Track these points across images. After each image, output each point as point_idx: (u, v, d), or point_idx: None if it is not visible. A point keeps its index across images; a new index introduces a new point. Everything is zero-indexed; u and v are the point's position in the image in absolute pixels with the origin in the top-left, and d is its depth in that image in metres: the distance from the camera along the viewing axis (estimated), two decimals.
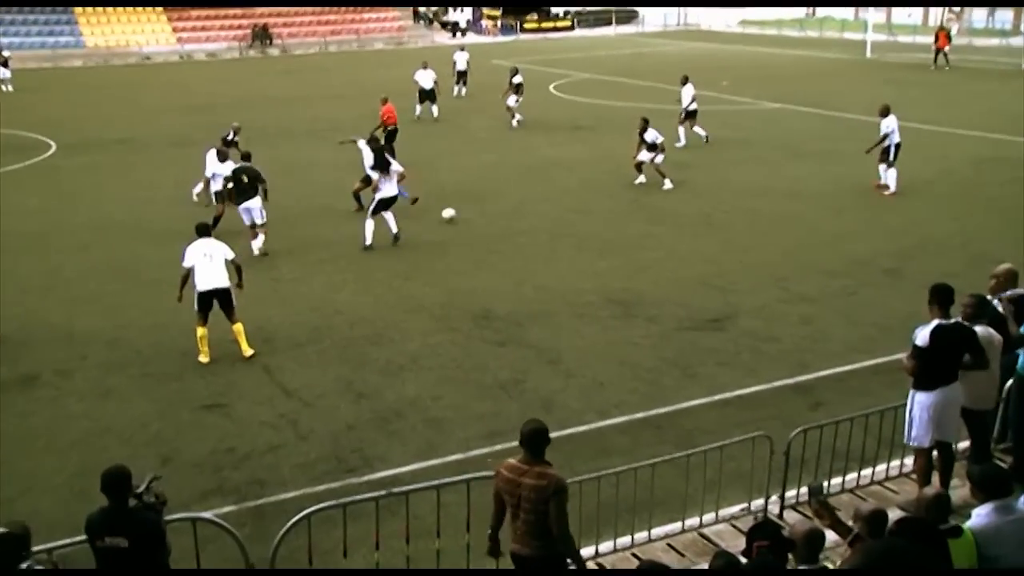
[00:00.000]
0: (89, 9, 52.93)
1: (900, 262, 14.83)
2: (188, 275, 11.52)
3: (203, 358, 11.55)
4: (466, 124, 26.38)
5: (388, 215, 16.26)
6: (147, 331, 12.60)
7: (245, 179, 15.69)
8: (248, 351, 11.67)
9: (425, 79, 28.52)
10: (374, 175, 16.40)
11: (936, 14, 53.29)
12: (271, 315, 12.94)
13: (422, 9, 64.89)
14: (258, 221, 15.71)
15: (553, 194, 19.70)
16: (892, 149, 18.91)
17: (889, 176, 19.03)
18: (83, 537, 5.75)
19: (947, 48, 38.03)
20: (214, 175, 17.21)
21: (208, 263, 11.47)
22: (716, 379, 10.88)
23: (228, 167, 16.51)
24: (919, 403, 7.70)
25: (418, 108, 28.43)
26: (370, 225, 16.12)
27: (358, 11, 58.85)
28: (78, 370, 11.48)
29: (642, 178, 20.17)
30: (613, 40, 56.24)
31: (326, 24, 57.07)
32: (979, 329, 7.67)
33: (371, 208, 16.29)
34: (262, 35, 54.05)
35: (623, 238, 16.52)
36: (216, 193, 17.08)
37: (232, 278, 11.69)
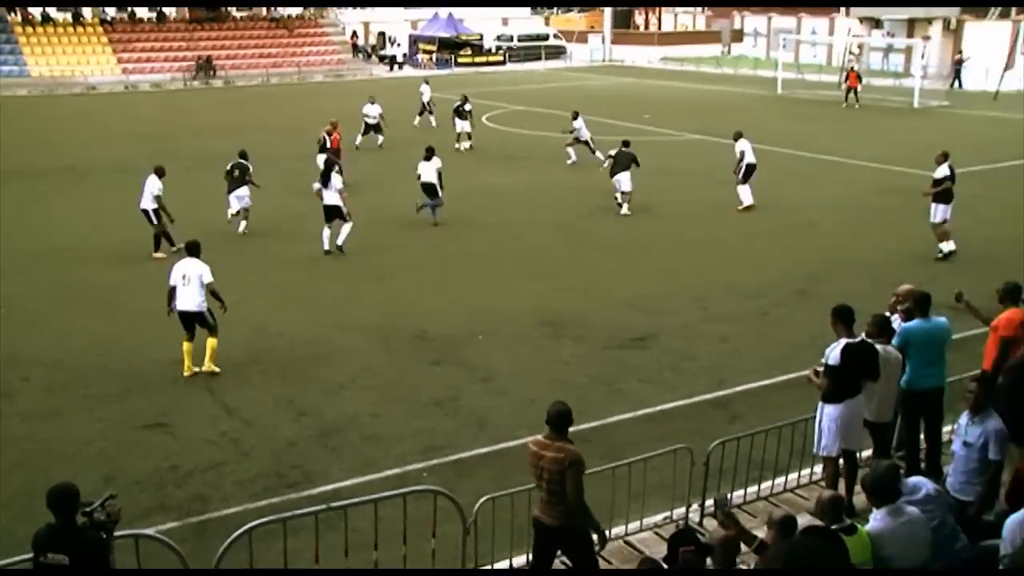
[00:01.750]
0: (34, 39, 51.74)
1: (809, 284, 15.19)
2: (173, 292, 11.50)
3: (186, 372, 11.45)
4: (405, 153, 26.30)
5: (332, 227, 16.91)
6: (90, 353, 12.31)
7: (236, 172, 18.69)
8: (212, 368, 11.51)
9: (371, 112, 28.50)
10: (316, 186, 17.18)
11: (838, 55, 54.86)
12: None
13: (360, 43, 64.83)
14: (244, 206, 18.61)
15: (489, 220, 19.77)
16: (744, 168, 20.30)
17: (742, 192, 20.21)
18: (27, 555, 5.58)
19: (859, 87, 39.10)
20: (152, 192, 17.11)
21: (184, 285, 11.45)
22: (640, 395, 11.00)
23: (157, 185, 17.07)
24: (828, 415, 7.89)
25: (359, 138, 28.35)
26: (325, 233, 16.95)
27: (299, 44, 58.53)
28: (20, 392, 11.15)
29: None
30: (543, 74, 56.74)
31: (268, 57, 56.58)
32: (879, 347, 7.92)
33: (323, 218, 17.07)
34: (206, 67, 53.38)
35: (554, 261, 16.64)
36: (155, 211, 17.10)
37: (214, 300, 11.64)
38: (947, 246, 16.39)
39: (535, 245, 17.78)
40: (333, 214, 16.93)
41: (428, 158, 19.31)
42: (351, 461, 9.46)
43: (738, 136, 20.79)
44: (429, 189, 19.20)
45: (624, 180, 19.93)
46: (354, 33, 64.91)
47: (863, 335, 7.97)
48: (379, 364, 11.99)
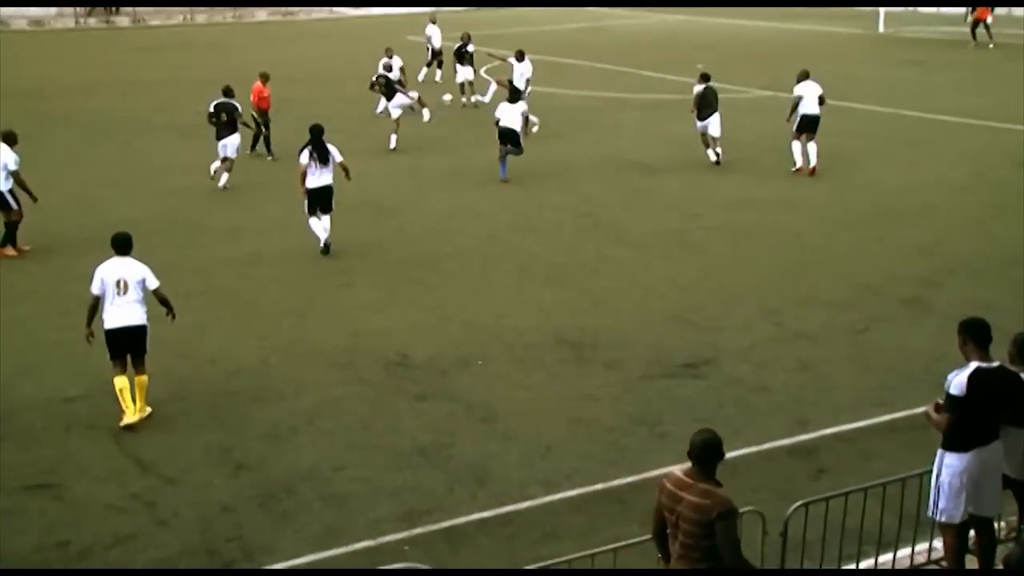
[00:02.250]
0: None
1: (922, 290, 15.24)
2: (96, 305, 11.41)
3: (128, 417, 11.33)
4: (377, 120, 26.51)
5: (324, 219, 16.92)
6: None
7: (224, 115, 20.59)
8: (143, 411, 11.52)
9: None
10: (304, 161, 16.86)
11: None
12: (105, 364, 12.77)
13: None
14: (231, 155, 20.64)
15: (488, 207, 19.88)
16: (799, 120, 21.49)
17: (795, 150, 21.61)
18: None
19: (989, 19, 38.99)
20: (4, 166, 17.27)
21: (119, 295, 11.32)
22: None
23: (11, 157, 17.26)
24: (950, 467, 7.85)
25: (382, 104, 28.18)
26: (315, 224, 16.96)
27: None
28: None
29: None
30: (564, 12, 56.98)
31: None
32: None
33: (305, 206, 17.00)
34: None
35: (576, 262, 16.72)
36: (10, 192, 17.31)
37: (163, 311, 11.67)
38: None
39: (551, 240, 17.87)
40: (325, 200, 16.91)
41: (513, 100, 21.71)
42: (307, 531, 9.53)
43: (802, 77, 21.89)
44: (509, 135, 21.41)
45: (714, 124, 22.31)
46: None
47: (999, 361, 7.94)
48: (344, 399, 12.04)
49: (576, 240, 17.87)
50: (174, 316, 11.74)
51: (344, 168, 16.96)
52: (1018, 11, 47.82)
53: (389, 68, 25.52)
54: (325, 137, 16.96)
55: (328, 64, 38.84)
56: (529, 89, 25.29)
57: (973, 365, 7.72)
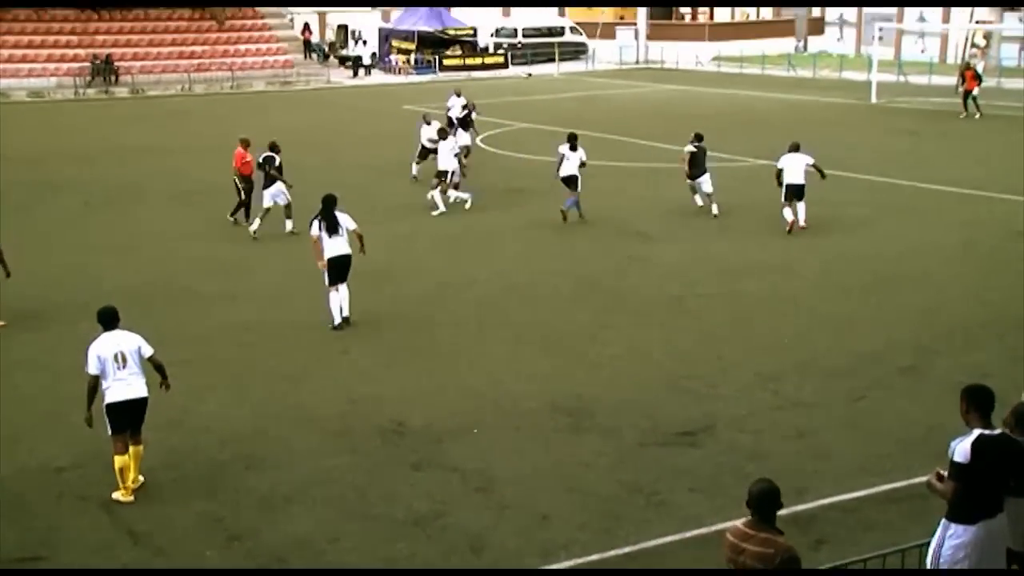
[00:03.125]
0: None
1: (920, 358, 15.23)
2: (96, 386, 11.22)
3: (123, 495, 11.21)
4: (373, 186, 26.66)
5: (342, 289, 16.63)
6: None
7: (268, 167, 22.26)
8: (136, 481, 11.41)
9: (427, 132, 28.06)
10: (314, 232, 16.66)
11: (956, 50, 55.64)
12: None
13: (315, 39, 65.90)
14: (284, 202, 22.54)
15: (484, 273, 19.91)
16: (785, 190, 22.46)
17: (785, 212, 22.45)
18: None
19: (976, 91, 39.55)
20: None
21: (119, 369, 11.20)
22: (690, 509, 10.98)
23: None
24: (954, 540, 7.75)
25: (415, 167, 28.66)
26: (334, 298, 16.63)
27: (232, 42, 59.55)
28: None
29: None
30: (557, 81, 57.63)
31: (190, 57, 57.55)
32: None
33: (325, 276, 16.68)
34: (105, 69, 54.24)
35: (572, 329, 16.73)
36: None
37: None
38: None
39: (547, 307, 17.89)
40: (345, 271, 16.65)
41: (573, 147, 23.16)
42: None
43: (793, 149, 22.78)
44: (571, 182, 23.22)
45: (706, 182, 23.92)
46: (306, 27, 66.09)
47: (1001, 429, 7.90)
48: (339, 468, 11.98)
49: (573, 306, 17.87)
50: (168, 386, 11.65)
51: (358, 237, 16.66)
52: (1009, 83, 48.40)
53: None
54: (340, 207, 16.74)
55: (324, 132, 39.15)
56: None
57: (976, 432, 7.68)
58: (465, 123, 30.66)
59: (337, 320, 16.67)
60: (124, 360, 11.23)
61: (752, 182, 27.91)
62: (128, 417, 11.26)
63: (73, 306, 17.68)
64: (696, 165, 23.85)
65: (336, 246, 16.51)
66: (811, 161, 22.46)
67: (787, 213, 22.48)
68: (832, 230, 22.70)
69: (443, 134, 25.67)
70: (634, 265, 20.28)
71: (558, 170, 23.69)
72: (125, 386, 11.21)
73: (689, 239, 22.13)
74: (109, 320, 11.47)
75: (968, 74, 40.27)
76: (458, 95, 32.11)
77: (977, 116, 38.86)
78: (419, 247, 21.86)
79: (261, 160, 22.66)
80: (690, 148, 23.90)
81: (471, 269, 20.22)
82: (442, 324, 17.07)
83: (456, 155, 25.04)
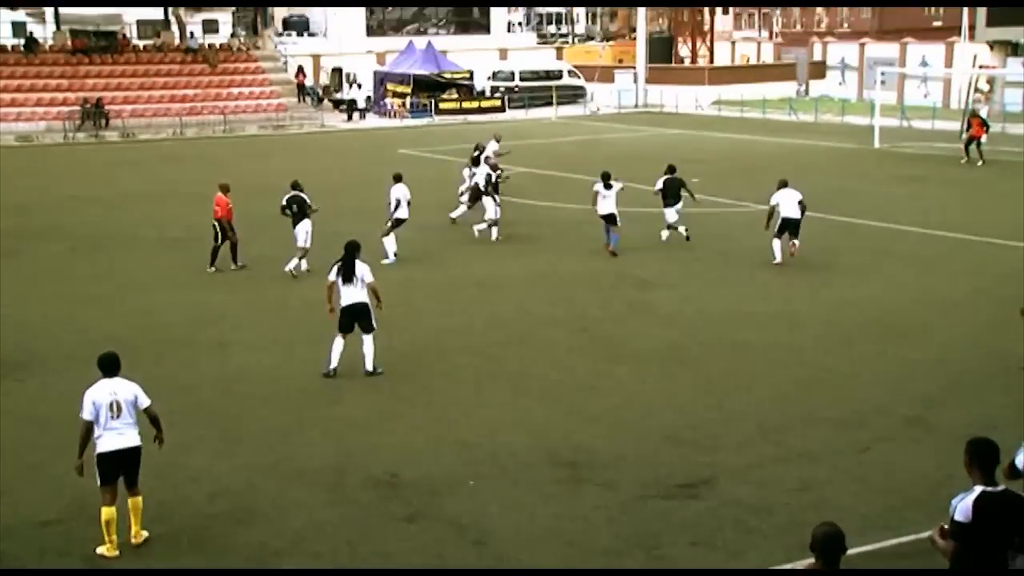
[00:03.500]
0: None
1: (926, 409, 15.21)
2: (89, 432, 11.18)
3: (108, 550, 11.11)
4: (368, 232, 26.64)
5: (366, 342, 16.62)
6: None
7: (295, 206, 23.21)
8: (138, 537, 11.37)
9: (479, 175, 28.47)
10: (331, 277, 16.72)
11: (959, 95, 56.01)
12: (91, 487, 12.64)
13: (308, 82, 66.27)
14: (306, 245, 23.00)
15: (480, 322, 19.91)
16: (779, 223, 23.60)
17: (775, 247, 23.65)
18: None
19: (984, 138, 39.79)
20: None
21: (113, 418, 11.15)
22: (692, 563, 10.93)
23: None
24: None
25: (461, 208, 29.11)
26: (336, 345, 16.62)
27: (225, 85, 59.92)
28: None
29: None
30: (555, 124, 57.95)
31: (182, 101, 57.92)
32: None
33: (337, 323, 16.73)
34: (95, 113, 54.55)
35: (570, 379, 16.72)
36: None
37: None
38: None
39: (545, 356, 17.89)
40: (355, 320, 16.64)
41: (608, 185, 24.54)
42: None
43: (781, 185, 23.98)
44: (611, 219, 24.69)
45: (670, 213, 25.69)
46: (300, 70, 66.48)
47: (1004, 485, 7.86)
48: (331, 521, 11.93)
49: (570, 356, 17.88)
50: (162, 440, 11.59)
51: (373, 291, 16.63)
52: (1013, 129, 48.70)
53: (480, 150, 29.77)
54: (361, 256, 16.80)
55: (318, 176, 39.17)
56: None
57: (978, 489, 7.65)
58: (476, 161, 30.38)
59: (332, 365, 16.65)
60: (119, 409, 11.16)
61: (753, 228, 27.93)
62: (119, 468, 11.20)
63: (58, 355, 17.69)
64: (669, 196, 25.60)
65: (349, 294, 16.53)
66: (800, 198, 23.53)
67: (777, 247, 23.63)
68: (835, 277, 22.76)
69: (498, 137, 28.23)
70: (633, 313, 20.30)
71: (595, 206, 25.03)
72: (117, 435, 11.15)
73: (689, 287, 22.17)
74: (108, 366, 11.43)
75: (975, 121, 40.54)
76: (497, 140, 32.95)
77: (980, 163, 39.09)
78: (414, 295, 21.88)
79: (286, 202, 23.53)
80: (664, 179, 25.73)
81: (467, 317, 20.23)
82: (438, 373, 17.06)
83: (464, 192, 26.71)
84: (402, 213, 24.70)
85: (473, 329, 19.47)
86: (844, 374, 16.77)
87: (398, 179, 25.33)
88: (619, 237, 24.90)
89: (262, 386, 16.53)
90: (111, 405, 11.15)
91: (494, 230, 26.95)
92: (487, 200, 27.19)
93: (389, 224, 24.84)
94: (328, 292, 16.76)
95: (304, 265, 23.26)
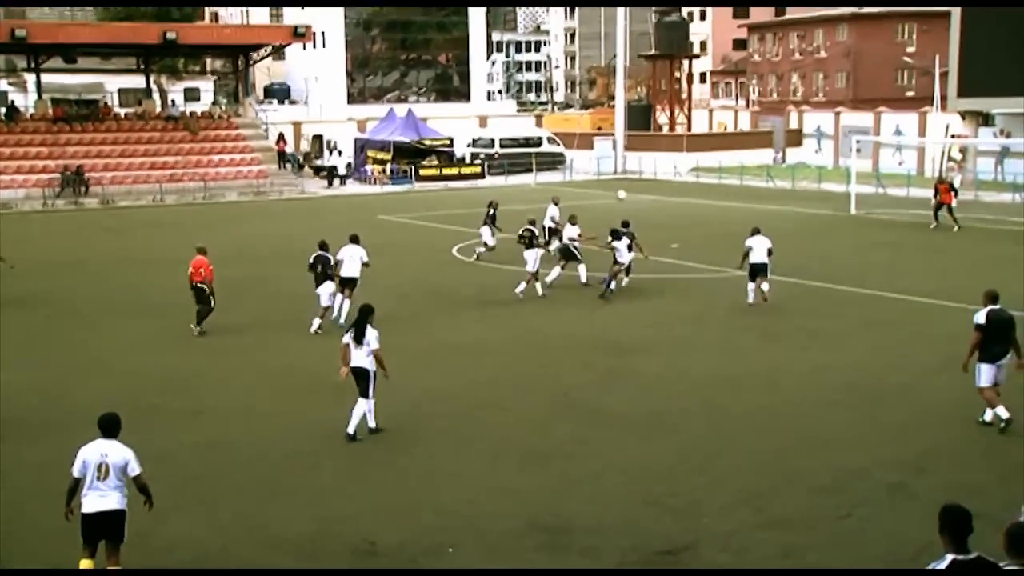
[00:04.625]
0: None
1: (907, 474, 15.15)
2: (77, 487, 11.22)
3: None
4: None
5: (358, 404, 16.68)
6: None
7: (320, 267, 23.86)
8: None
9: (552, 211, 32.81)
10: (344, 339, 16.97)
11: (933, 163, 56.64)
12: (65, 557, 12.45)
13: (289, 149, 66.60)
14: (326, 303, 23.79)
15: (459, 387, 19.82)
16: (749, 268, 26.00)
17: (749, 289, 26.06)
18: None
19: (953, 203, 40.19)
20: None
21: (99, 478, 11.12)
22: None
23: None
24: None
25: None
26: (357, 408, 16.73)
27: (205, 152, 60.13)
28: None
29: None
30: (534, 190, 58.17)
31: (162, 168, 58.03)
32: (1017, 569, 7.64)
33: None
34: (75, 180, 54.61)
35: (550, 444, 16.62)
36: None
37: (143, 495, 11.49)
38: (1000, 411, 16.69)
39: (525, 421, 17.80)
40: (358, 382, 16.77)
41: (617, 236, 26.92)
42: None
43: (754, 232, 26.30)
44: (627, 269, 27.22)
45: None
46: (281, 137, 66.85)
47: (977, 552, 7.77)
48: None
49: (551, 421, 17.79)
50: (151, 505, 11.54)
51: (377, 359, 16.70)
52: (985, 196, 49.19)
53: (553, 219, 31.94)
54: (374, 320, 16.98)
55: (299, 242, 39.14)
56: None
57: (949, 558, 7.62)
58: (492, 219, 33.76)
59: (350, 430, 16.70)
60: (106, 472, 11.15)
61: (732, 293, 28.06)
62: (100, 530, 11.16)
63: (32, 425, 17.49)
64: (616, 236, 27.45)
65: (356, 357, 16.70)
66: (769, 245, 25.93)
67: (751, 288, 26.01)
68: (814, 342, 22.80)
69: (573, 219, 29.47)
70: (614, 378, 20.25)
71: (616, 262, 27.24)
72: (99, 496, 11.13)
73: (668, 352, 22.16)
74: (106, 428, 11.46)
75: (942, 188, 41.09)
76: (556, 204, 33.68)
77: (955, 228, 39.42)
78: (393, 360, 21.67)
79: (312, 260, 24.09)
80: (611, 243, 27.38)
81: (447, 383, 20.13)
82: (417, 439, 16.94)
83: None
84: (352, 272, 24.66)
85: (453, 394, 19.37)
86: (824, 439, 16.74)
87: (354, 240, 25.46)
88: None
89: (238, 452, 16.38)
90: (99, 466, 11.13)
91: (544, 277, 28.58)
92: (531, 252, 28.31)
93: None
94: (342, 353, 16.85)
95: (316, 324, 23.74)
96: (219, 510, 14.12)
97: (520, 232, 28.73)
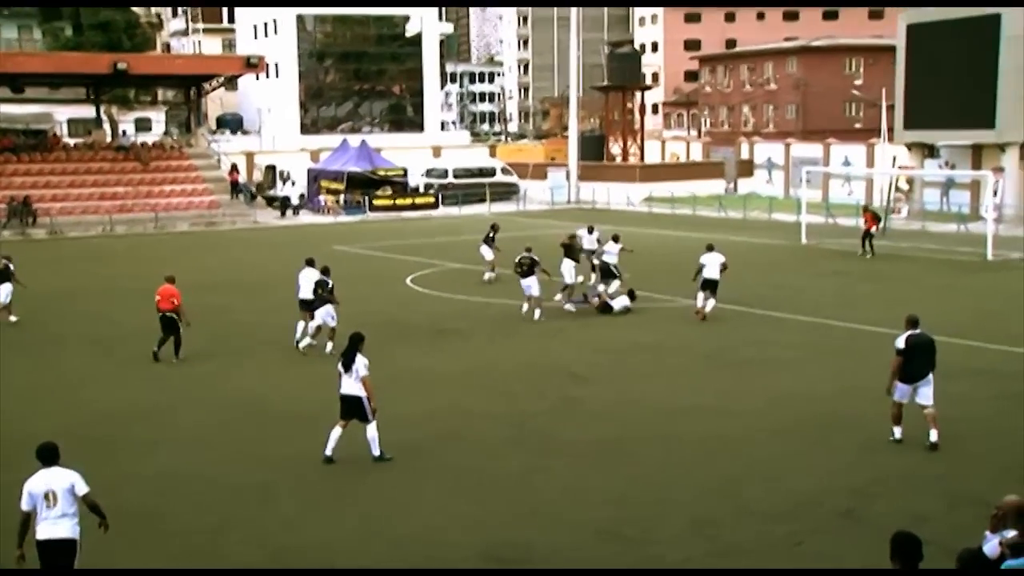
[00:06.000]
0: None
1: (858, 501, 15.27)
2: (27, 522, 11.10)
3: None
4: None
5: (367, 431, 16.83)
6: None
7: (320, 290, 24.35)
8: None
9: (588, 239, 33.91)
10: (339, 368, 17.06)
11: (881, 194, 57.31)
12: None
13: (242, 179, 66.32)
14: (331, 324, 24.22)
15: (414, 416, 19.78)
16: (701, 281, 28.05)
17: (699, 298, 28.17)
18: None
19: (874, 229, 41.06)
20: None
21: (49, 506, 11.03)
22: None
23: None
24: None
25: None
26: (334, 433, 16.82)
27: (157, 182, 59.76)
28: None
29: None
30: (488, 221, 58.20)
31: (112, 199, 57.56)
32: None
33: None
34: (23, 211, 54.04)
35: (505, 473, 16.62)
36: None
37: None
38: (896, 432, 17.65)
39: (480, 451, 17.78)
40: (351, 411, 16.82)
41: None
42: None
43: (708, 249, 28.51)
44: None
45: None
46: (233, 167, 66.54)
47: None
48: None
49: (506, 450, 17.79)
50: (107, 527, 11.47)
51: (365, 387, 16.72)
52: (932, 226, 49.82)
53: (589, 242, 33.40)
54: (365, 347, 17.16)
55: (251, 272, 39.19)
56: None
57: None
58: (489, 241, 35.72)
59: (327, 451, 16.87)
60: (54, 499, 11.08)
61: (684, 322, 28.24)
62: (55, 557, 11.07)
63: None
64: (572, 254, 29.82)
65: (344, 384, 16.84)
66: (724, 260, 28.18)
67: (700, 298, 28.04)
68: (766, 371, 22.96)
69: (616, 238, 31.43)
70: (568, 407, 20.28)
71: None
72: (50, 525, 11.07)
73: (623, 380, 22.24)
74: (45, 457, 11.38)
75: (867, 215, 41.91)
76: (591, 231, 34.68)
77: (868, 256, 40.25)
78: None
79: (313, 284, 24.58)
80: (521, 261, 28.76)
81: (401, 411, 20.04)
82: (371, 469, 16.87)
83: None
84: (309, 294, 25.08)
85: (407, 423, 19.31)
86: (776, 466, 16.84)
87: (310, 263, 25.93)
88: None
89: (190, 484, 16.23)
90: (46, 495, 11.06)
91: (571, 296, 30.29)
92: (530, 279, 28.60)
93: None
94: (339, 381, 17.01)
95: (329, 346, 24.15)
96: (169, 544, 14.00)
97: (518, 260, 29.04)
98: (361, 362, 16.80)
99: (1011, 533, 8.75)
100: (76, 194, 57.42)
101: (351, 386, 16.81)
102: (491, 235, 36.10)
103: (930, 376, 17.41)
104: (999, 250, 40.12)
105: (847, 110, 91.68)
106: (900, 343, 17.54)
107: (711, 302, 28.06)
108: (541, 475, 16.56)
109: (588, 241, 34.03)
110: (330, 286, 24.64)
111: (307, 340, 24.66)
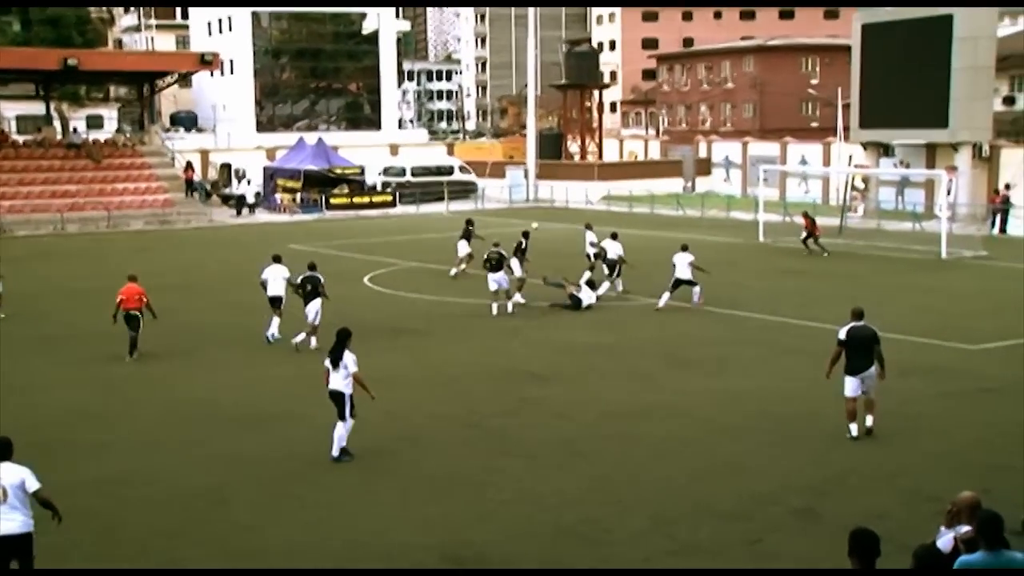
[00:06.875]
0: None
1: (814, 500, 15.36)
2: None
3: None
4: (257, 327, 26.39)
5: (336, 427, 17.00)
6: None
7: (309, 286, 24.68)
8: None
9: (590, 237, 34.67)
10: (326, 363, 17.25)
11: (837, 193, 57.76)
12: None
13: (197, 178, 65.85)
14: (315, 322, 24.35)
15: (370, 418, 19.65)
16: (673, 281, 29.15)
17: (664, 297, 29.26)
18: None
19: (818, 234, 41.70)
20: None
21: (1, 502, 10.98)
22: None
23: None
24: None
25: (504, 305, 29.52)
26: (339, 429, 17.07)
27: (109, 180, 59.14)
28: None
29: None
30: (446, 219, 58.17)
31: (63, 197, 56.87)
32: None
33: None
34: None
35: (462, 474, 16.58)
36: None
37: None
38: (852, 428, 18.00)
39: (436, 451, 17.74)
40: (334, 404, 17.05)
41: (685, 248, 29.54)
42: None
43: (683, 248, 29.49)
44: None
45: (502, 279, 28.89)
46: (188, 165, 66.08)
47: None
48: None
49: (463, 450, 17.75)
50: (60, 519, 11.38)
51: (358, 381, 16.97)
52: (888, 224, 50.22)
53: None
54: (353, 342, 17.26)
55: (206, 272, 38.91)
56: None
57: None
58: (469, 236, 36.06)
59: (334, 453, 17.04)
60: (5, 495, 11.01)
61: (644, 321, 28.30)
62: (9, 554, 11.03)
63: None
64: (493, 265, 29.18)
65: (333, 380, 17.01)
66: (693, 259, 29.16)
67: (665, 298, 29.02)
68: (725, 369, 23.06)
69: (615, 236, 32.41)
70: (526, 407, 20.27)
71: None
72: (4, 521, 10.97)
73: (581, 380, 22.25)
74: None
75: (805, 218, 42.58)
76: (590, 228, 35.33)
77: (806, 254, 40.88)
78: (302, 390, 21.56)
79: (300, 280, 24.96)
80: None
81: (358, 412, 19.88)
82: (327, 471, 16.79)
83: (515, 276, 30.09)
84: (277, 291, 25.49)
85: (363, 423, 19.19)
86: (734, 465, 16.90)
87: (277, 259, 26.31)
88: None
89: (143, 488, 16.06)
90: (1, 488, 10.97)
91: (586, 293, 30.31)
92: (498, 275, 29.12)
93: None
94: (325, 377, 17.12)
95: (313, 342, 24.31)
96: (121, 548, 13.85)
97: (487, 255, 29.45)
98: (350, 358, 16.95)
99: (965, 528, 8.90)
100: (26, 192, 56.66)
101: (336, 382, 16.98)
102: (469, 231, 36.58)
103: (873, 369, 17.92)
104: (952, 248, 40.56)
105: (804, 109, 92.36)
106: (841, 334, 18.09)
107: (696, 290, 29.27)
108: (499, 475, 16.54)
109: (589, 239, 34.63)
110: (321, 282, 24.91)
111: (301, 336, 24.75)
